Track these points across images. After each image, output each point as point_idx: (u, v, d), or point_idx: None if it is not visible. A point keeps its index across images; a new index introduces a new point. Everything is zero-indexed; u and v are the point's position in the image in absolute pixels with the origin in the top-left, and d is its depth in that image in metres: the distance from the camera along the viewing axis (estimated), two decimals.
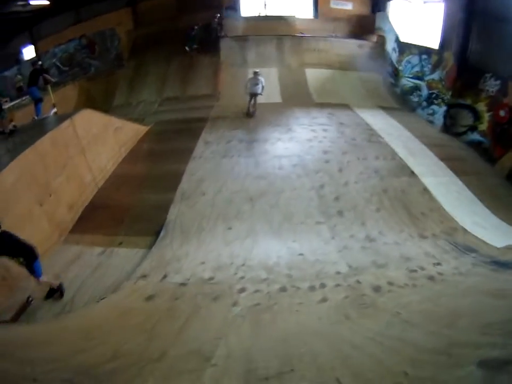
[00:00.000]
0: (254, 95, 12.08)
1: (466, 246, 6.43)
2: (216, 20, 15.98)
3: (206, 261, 5.75)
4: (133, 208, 7.51)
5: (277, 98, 14.01)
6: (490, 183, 9.35)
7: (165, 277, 5.37)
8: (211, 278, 5.31)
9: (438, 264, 5.80)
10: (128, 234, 6.69)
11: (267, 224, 6.83)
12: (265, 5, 18.74)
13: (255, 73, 12.23)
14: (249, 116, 12.30)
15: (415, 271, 5.56)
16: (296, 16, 18.40)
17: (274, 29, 17.37)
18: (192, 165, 8.91)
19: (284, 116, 12.35)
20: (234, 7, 17.93)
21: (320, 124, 11.59)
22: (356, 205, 7.50)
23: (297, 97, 14.04)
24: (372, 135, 10.77)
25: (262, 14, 18.69)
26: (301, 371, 3.09)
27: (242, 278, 5.32)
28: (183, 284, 5.19)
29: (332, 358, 3.26)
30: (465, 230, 6.98)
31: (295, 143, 10.08)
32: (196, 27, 15.93)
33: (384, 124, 12.01)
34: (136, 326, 4.18)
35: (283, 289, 5.03)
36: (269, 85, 13.74)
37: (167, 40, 16.21)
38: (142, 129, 11.36)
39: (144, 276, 5.38)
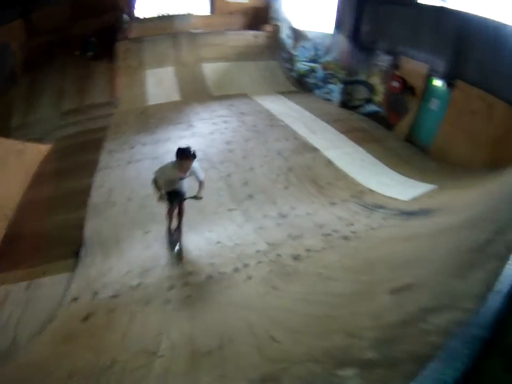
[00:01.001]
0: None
1: (375, 204, 6.94)
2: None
3: (131, 269, 5.65)
4: (48, 233, 6.95)
5: (176, 97, 13.82)
6: (391, 146, 10.19)
7: (95, 294, 5.23)
8: (140, 284, 5.27)
9: (351, 224, 6.19)
10: (50, 261, 6.20)
11: None
12: (161, 5, 18.46)
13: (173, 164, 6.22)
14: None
15: (330, 234, 5.92)
16: (193, 13, 18.33)
17: (171, 28, 17.23)
18: (99, 177, 8.56)
19: (184, 113, 12.27)
20: (130, 9, 17.32)
21: (221, 116, 11.70)
22: (264, 186, 7.68)
23: (196, 93, 13.97)
24: (272, 120, 11.12)
25: (159, 15, 18.39)
26: (239, 339, 3.43)
27: (168, 276, 5.34)
28: (114, 297, 5.10)
29: (266, 323, 3.54)
30: (372, 191, 7.56)
31: (197, 138, 10.02)
32: (91, 34, 15.33)
33: (283, 108, 12.49)
34: (82, 346, 4.21)
35: (209, 277, 5.17)
36: (167, 84, 13.73)
37: (61, 50, 15.18)
38: (44, 148, 10.37)
39: (75, 299, 5.21)
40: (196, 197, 5.46)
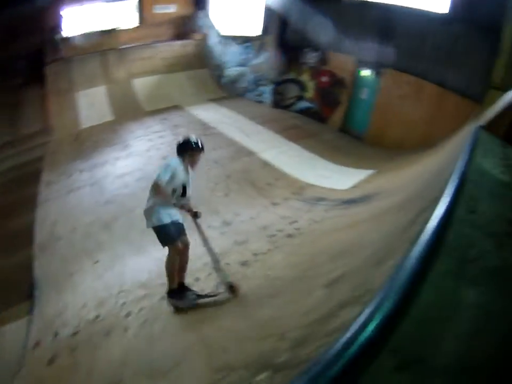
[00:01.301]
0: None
1: (316, 197, 7.21)
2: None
3: (86, 302, 5.53)
4: None
5: (109, 116, 13.55)
6: (327, 139, 10.64)
7: (56, 334, 5.08)
8: (97, 316, 5.16)
9: (294, 221, 6.32)
10: (4, 308, 5.92)
11: (129, 245, 6.71)
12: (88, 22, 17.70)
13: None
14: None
15: (275, 235, 5.99)
16: (120, 27, 17.76)
17: (99, 44, 16.54)
18: (40, 211, 8.26)
19: (119, 133, 12.11)
20: (57, 29, 16.47)
21: (155, 131, 11.66)
22: (205, 197, 7.61)
23: (129, 110, 13.75)
24: (206, 129, 11.21)
25: (86, 32, 17.47)
26: (191, 356, 3.54)
27: (124, 303, 5.24)
28: (74, 334, 4.97)
29: (217, 334, 3.73)
30: (311, 185, 7.82)
31: (134, 157, 9.96)
32: (19, 57, 14.40)
33: (216, 115, 12.64)
34: None
35: (163, 297, 5.04)
36: (99, 104, 13.47)
37: None
38: None
39: (37, 343, 5.05)
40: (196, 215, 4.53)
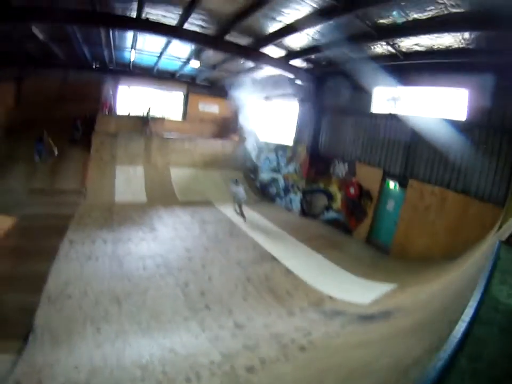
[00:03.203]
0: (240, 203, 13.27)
1: (334, 310, 7.12)
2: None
3: (79, 365, 5.45)
4: None
5: (143, 198, 14.43)
6: (351, 251, 10.84)
7: (39, 383, 5.00)
8: (87, 382, 5.08)
9: (308, 334, 6.23)
10: None
11: (136, 325, 6.70)
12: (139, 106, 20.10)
13: (237, 182, 13.68)
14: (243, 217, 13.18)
15: (287, 345, 5.90)
16: (166, 117, 19.85)
17: (145, 128, 18.44)
18: (57, 265, 8.50)
19: (148, 215, 12.71)
20: (110, 103, 18.73)
21: (183, 222, 12.27)
22: (222, 297, 7.75)
23: (162, 197, 14.70)
24: (234, 229, 11.79)
25: (136, 115, 19.72)
26: None
27: (117, 379, 5.17)
28: None
29: None
30: (331, 297, 7.78)
31: (158, 243, 10.29)
32: (78, 119, 16.42)
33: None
34: None
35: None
36: (135, 183, 14.44)
37: (44, 127, 15.26)
38: (7, 221, 10.36)
39: None
40: None
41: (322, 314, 7.00)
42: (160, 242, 10.34)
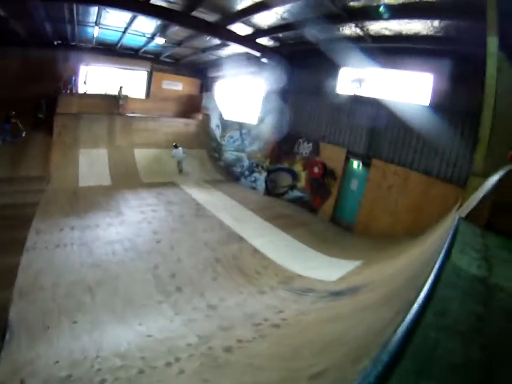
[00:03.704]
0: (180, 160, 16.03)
1: (303, 288, 7.36)
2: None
3: (59, 359, 5.39)
4: None
5: (107, 181, 14.17)
6: (317, 229, 11.16)
7: (22, 382, 4.92)
8: (69, 376, 5.02)
9: (280, 311, 6.41)
10: None
11: (111, 313, 6.68)
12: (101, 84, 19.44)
13: (176, 146, 16.23)
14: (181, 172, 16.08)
15: (260, 324, 6.03)
16: (129, 95, 19.20)
17: (107, 107, 17.88)
18: (26, 257, 8.26)
19: (114, 199, 12.56)
20: (72, 82, 17.93)
21: (149, 204, 12.17)
22: (192, 278, 7.84)
23: (127, 179, 14.52)
24: (199, 210, 11.86)
25: (98, 92, 19.06)
26: None
27: (99, 370, 5.14)
28: None
29: None
30: (300, 275, 8.04)
31: (126, 227, 10.21)
32: (42, 98, 15.83)
33: (210, 197, 13.41)
34: None
35: (141, 371, 5.02)
36: (99, 166, 14.24)
37: (3, 110, 14.62)
38: None
39: None
40: None
41: (292, 292, 7.22)
42: (128, 226, 10.26)
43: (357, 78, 11.88)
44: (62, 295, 7.11)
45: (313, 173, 12.96)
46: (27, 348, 5.74)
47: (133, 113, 18.67)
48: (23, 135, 14.50)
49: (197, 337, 5.88)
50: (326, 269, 8.38)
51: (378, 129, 10.87)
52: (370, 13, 8.70)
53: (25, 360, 5.42)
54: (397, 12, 8.29)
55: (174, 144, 16.33)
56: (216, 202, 12.77)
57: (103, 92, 19.17)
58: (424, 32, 8.88)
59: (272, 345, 5.23)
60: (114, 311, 6.67)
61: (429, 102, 9.80)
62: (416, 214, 9.60)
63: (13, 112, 14.30)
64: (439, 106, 9.47)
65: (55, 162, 14.19)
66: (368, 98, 11.33)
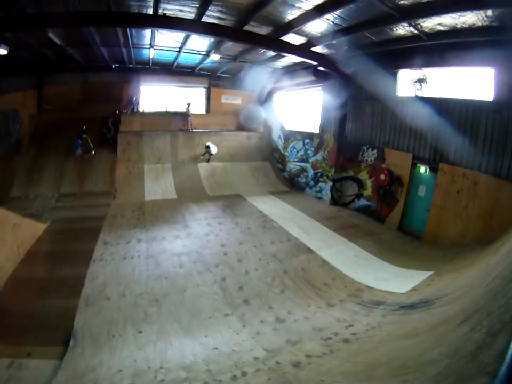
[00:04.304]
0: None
1: (373, 301, 7.08)
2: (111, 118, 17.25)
3: (122, 368, 5.49)
4: (36, 315, 6.81)
5: (172, 194, 14.71)
6: (384, 239, 10.74)
7: None
8: None
9: (350, 326, 6.19)
10: (36, 344, 6.05)
11: (176, 324, 6.75)
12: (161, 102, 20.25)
13: (208, 146, 17.01)
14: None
15: (330, 338, 5.84)
16: (190, 111, 19.80)
17: (168, 124, 18.72)
18: (93, 268, 8.68)
19: (180, 212, 12.91)
20: (132, 102, 18.88)
21: (215, 217, 12.38)
22: (260, 291, 7.80)
23: (192, 192, 14.99)
24: (266, 221, 11.87)
25: (158, 110, 19.93)
26: None
27: (162, 381, 5.15)
28: None
29: None
30: (369, 287, 7.76)
31: (192, 239, 10.41)
32: (108, 118, 17.06)
33: (276, 208, 13.36)
34: None
35: None
36: (164, 181, 14.86)
37: (68, 131, 16.01)
38: (40, 227, 10.67)
39: None
40: None
41: (362, 305, 6.96)
42: (194, 239, 10.46)
43: (417, 79, 11.34)
44: (128, 306, 7.31)
45: (379, 180, 12.50)
46: (90, 356, 5.86)
47: (195, 128, 19.24)
48: (93, 152, 15.60)
49: (265, 351, 5.80)
50: (396, 280, 8.01)
51: (442, 130, 10.21)
52: (420, 9, 8.32)
53: (87, 367, 5.55)
54: (446, 6, 7.86)
55: (207, 144, 17.17)
56: (282, 213, 12.74)
57: (163, 110, 19.95)
58: (479, 23, 8.26)
59: (343, 361, 4.98)
60: (181, 322, 6.75)
61: (492, 97, 9.06)
62: (486, 219, 8.88)
63: (84, 128, 15.45)
64: (504, 101, 8.73)
65: (120, 178, 15.06)
66: (429, 98, 10.76)
